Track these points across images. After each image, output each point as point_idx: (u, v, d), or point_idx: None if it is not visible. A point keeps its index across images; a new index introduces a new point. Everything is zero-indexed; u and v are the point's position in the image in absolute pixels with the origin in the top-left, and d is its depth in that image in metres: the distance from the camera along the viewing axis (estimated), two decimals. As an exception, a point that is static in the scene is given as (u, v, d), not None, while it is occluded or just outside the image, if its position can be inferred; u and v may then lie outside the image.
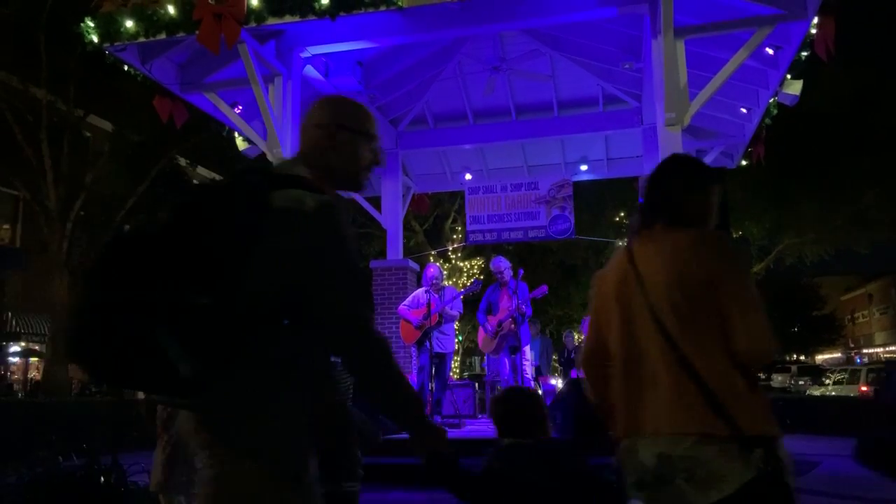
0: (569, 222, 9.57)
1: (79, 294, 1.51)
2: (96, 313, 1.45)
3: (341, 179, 1.81)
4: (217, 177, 22.75)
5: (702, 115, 8.30)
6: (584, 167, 11.18)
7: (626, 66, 8.66)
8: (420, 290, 7.93)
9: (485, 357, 10.36)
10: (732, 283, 1.78)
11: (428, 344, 7.40)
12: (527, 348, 7.95)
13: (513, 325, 7.70)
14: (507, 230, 9.89)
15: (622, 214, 20.72)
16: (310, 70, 7.63)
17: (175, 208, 1.54)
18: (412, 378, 8.06)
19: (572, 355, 10.19)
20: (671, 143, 6.38)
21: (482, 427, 7.31)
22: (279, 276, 1.52)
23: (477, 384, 9.36)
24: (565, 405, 6.48)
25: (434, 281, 7.66)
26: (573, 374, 9.44)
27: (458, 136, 10.54)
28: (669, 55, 6.20)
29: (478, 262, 21.40)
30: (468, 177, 11.04)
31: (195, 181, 22.29)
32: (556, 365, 12.79)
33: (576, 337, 10.59)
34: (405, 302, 7.96)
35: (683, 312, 1.79)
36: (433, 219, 21.24)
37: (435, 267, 7.94)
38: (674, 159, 2.13)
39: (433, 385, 7.36)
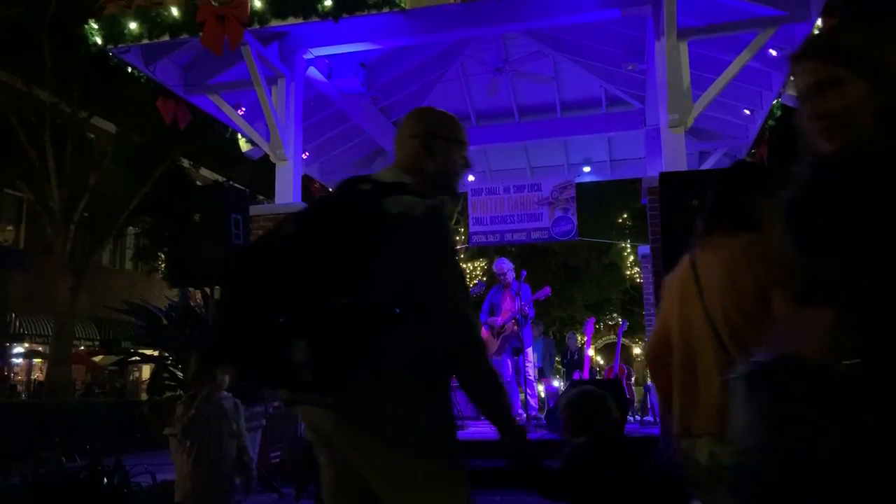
0: (572, 224, 9.56)
1: (220, 300, 1.71)
2: (239, 317, 1.61)
3: (438, 185, 1.92)
4: (220, 178, 22.78)
5: (705, 117, 8.29)
6: (587, 169, 11.17)
7: (629, 67, 8.65)
8: None
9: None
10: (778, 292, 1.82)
11: None
12: (529, 350, 7.95)
13: (515, 327, 7.70)
14: (510, 232, 9.87)
15: (625, 216, 20.70)
16: (313, 71, 7.64)
17: (297, 218, 1.70)
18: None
19: (575, 357, 10.18)
20: (674, 144, 6.37)
21: (485, 429, 7.30)
22: (397, 276, 1.64)
23: None
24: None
25: None
26: (575, 375, 9.43)
27: (460, 137, 10.52)
28: (672, 57, 6.20)
29: (480, 264, 21.38)
30: (471, 178, 11.01)
31: (198, 182, 22.33)
32: (559, 367, 12.77)
33: (578, 339, 10.58)
34: None
35: (734, 318, 1.86)
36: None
37: None
38: (743, 166, 2.18)
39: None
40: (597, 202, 19.10)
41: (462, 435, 6.80)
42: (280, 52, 7.06)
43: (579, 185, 10.16)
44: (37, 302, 18.59)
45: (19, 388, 20.89)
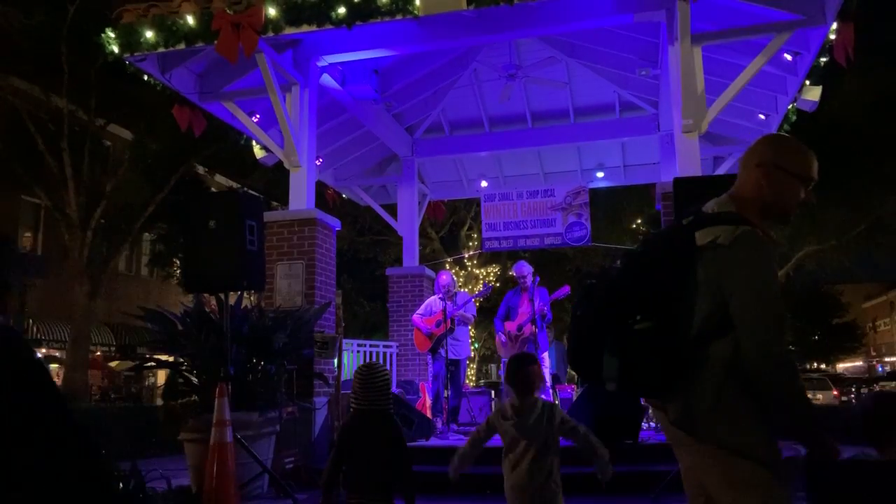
0: (585, 229, 9.53)
1: (573, 314, 2.04)
2: (581, 331, 1.99)
3: (773, 214, 2.03)
4: (235, 185, 22.93)
5: (719, 122, 8.25)
6: (600, 174, 11.14)
7: (643, 72, 8.63)
8: (433, 298, 7.93)
9: (500, 364, 10.32)
10: None
11: (442, 351, 7.39)
12: (545, 354, 7.91)
13: (533, 328, 7.65)
14: (524, 237, 9.86)
15: (639, 221, 20.59)
16: (326, 79, 7.69)
17: (626, 255, 2.05)
18: (427, 385, 8.05)
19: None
20: (689, 149, 6.34)
21: (496, 437, 7.28)
22: (705, 300, 1.85)
23: (493, 392, 9.32)
24: (583, 412, 6.43)
25: (447, 288, 7.66)
26: None
27: (473, 143, 10.55)
28: (686, 61, 6.18)
29: (494, 270, 21.34)
30: (484, 184, 11.04)
31: (213, 189, 22.50)
32: (572, 372, 12.70)
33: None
34: (419, 310, 7.96)
35: None
36: (449, 226, 21.24)
37: (447, 274, 7.94)
38: None
39: (448, 392, 7.35)
40: (610, 207, 19.03)
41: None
42: (294, 59, 7.11)
43: (593, 191, 10.14)
44: (54, 307, 18.77)
45: (37, 392, 21.04)
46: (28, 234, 20.76)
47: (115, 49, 6.55)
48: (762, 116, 8.73)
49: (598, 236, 12.94)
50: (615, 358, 1.85)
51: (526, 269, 8.05)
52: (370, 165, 11.01)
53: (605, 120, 10.06)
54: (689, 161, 6.29)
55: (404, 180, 10.68)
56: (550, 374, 8.34)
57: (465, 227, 21.56)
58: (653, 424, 8.36)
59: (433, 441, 6.73)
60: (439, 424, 7.18)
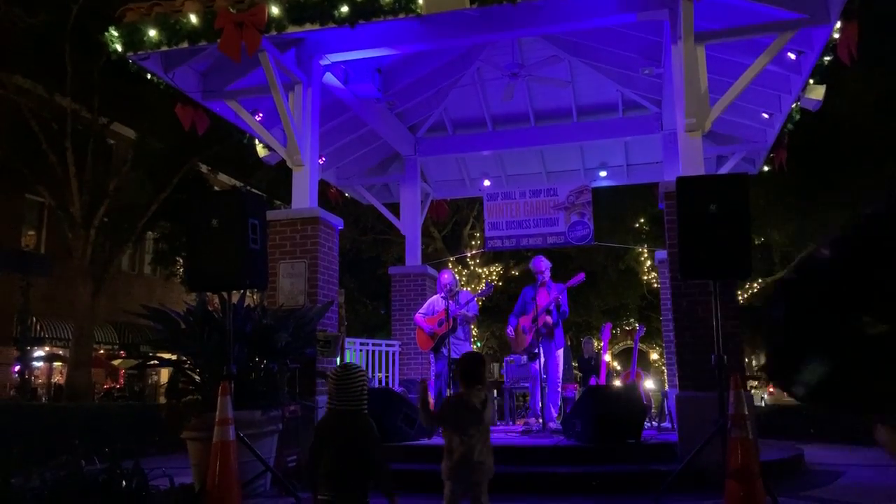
0: (588, 228, 9.52)
1: (771, 320, 1.72)
2: (793, 336, 1.65)
3: None
4: (238, 183, 22.95)
5: (723, 121, 8.23)
6: (603, 173, 11.13)
7: (646, 71, 8.62)
8: (435, 297, 7.93)
9: (503, 363, 10.32)
10: None
11: (445, 350, 7.39)
12: (559, 352, 7.82)
13: (549, 319, 7.59)
14: (526, 236, 9.85)
15: (642, 220, 20.56)
16: (329, 77, 7.69)
17: (842, 242, 1.67)
18: (430, 384, 8.05)
19: (591, 362, 10.12)
20: (692, 148, 6.33)
21: (501, 435, 7.28)
22: None
23: (496, 390, 9.31)
24: (585, 412, 6.43)
25: (449, 287, 7.65)
26: (591, 381, 9.36)
27: (476, 142, 10.54)
28: (690, 60, 6.16)
29: (496, 269, 21.35)
30: (487, 183, 11.05)
31: (216, 187, 22.52)
32: (577, 372, 12.72)
33: (595, 344, 10.50)
34: (421, 310, 7.96)
35: None
36: (452, 225, 21.24)
37: (449, 273, 7.93)
38: None
39: (451, 391, 7.35)
40: (613, 207, 18.98)
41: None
42: (297, 58, 7.11)
43: (595, 190, 10.13)
44: (57, 306, 18.83)
45: (40, 391, 21.16)
46: (31, 233, 20.81)
47: (119, 48, 6.56)
48: (766, 115, 8.71)
49: (601, 236, 12.92)
50: (823, 365, 1.60)
51: (543, 263, 7.92)
52: (373, 164, 11.01)
53: (608, 119, 10.04)
54: (693, 160, 6.28)
55: (407, 179, 10.68)
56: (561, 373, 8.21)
57: (468, 226, 21.56)
58: (655, 424, 8.35)
59: (436, 440, 6.73)
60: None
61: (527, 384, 8.72)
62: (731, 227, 4.95)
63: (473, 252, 19.85)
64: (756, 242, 19.12)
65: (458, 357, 7.59)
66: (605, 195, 14.75)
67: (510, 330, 7.95)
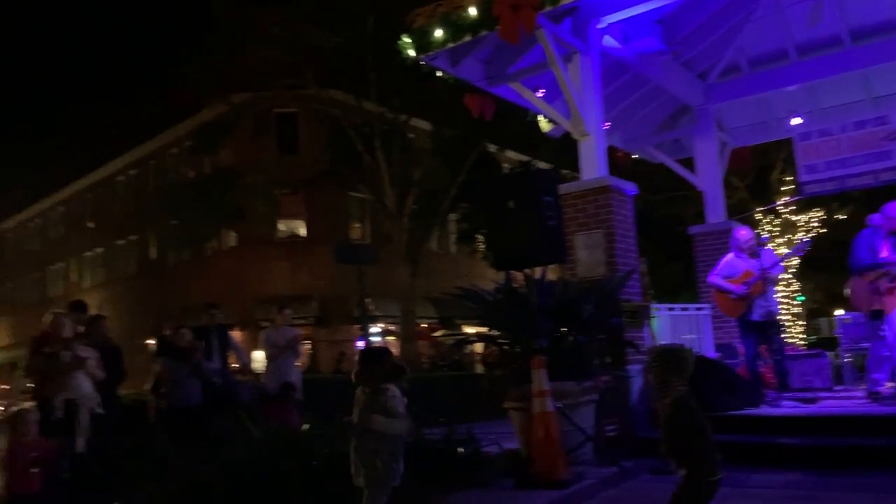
0: (933, 157, 7.95)
1: None
2: None
3: None
4: (525, 158, 23.69)
5: None
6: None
7: None
8: (730, 256, 7.15)
9: (834, 321, 9.13)
10: None
11: (753, 315, 6.73)
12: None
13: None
14: (851, 177, 8.58)
15: None
16: (608, 40, 7.47)
17: None
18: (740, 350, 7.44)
19: None
20: None
21: (839, 403, 6.48)
22: None
23: (833, 352, 8.30)
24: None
25: (747, 245, 6.91)
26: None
27: (779, 77, 9.43)
28: None
29: (817, 214, 18.90)
30: (797, 121, 9.78)
31: (505, 164, 23.53)
32: None
33: None
34: (715, 270, 7.25)
35: None
36: (757, 172, 19.36)
37: (747, 229, 7.16)
38: None
39: (772, 359, 6.74)
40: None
41: (810, 410, 6.12)
42: (573, 27, 7.03)
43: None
44: (385, 287, 21.43)
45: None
46: (357, 226, 23.96)
47: (412, 52, 7.13)
48: None
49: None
50: None
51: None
52: (660, 121, 10.50)
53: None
54: None
55: (700, 131, 9.98)
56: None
57: (777, 171, 19.46)
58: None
59: (763, 409, 6.24)
60: (770, 392, 6.61)
61: (867, 344, 7.60)
62: None
63: (786, 200, 17.85)
64: None
65: (767, 320, 6.86)
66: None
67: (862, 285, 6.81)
